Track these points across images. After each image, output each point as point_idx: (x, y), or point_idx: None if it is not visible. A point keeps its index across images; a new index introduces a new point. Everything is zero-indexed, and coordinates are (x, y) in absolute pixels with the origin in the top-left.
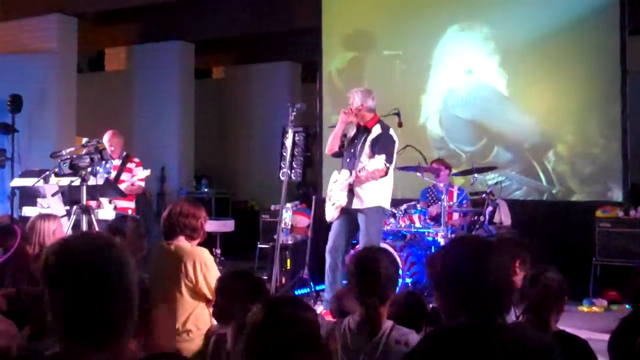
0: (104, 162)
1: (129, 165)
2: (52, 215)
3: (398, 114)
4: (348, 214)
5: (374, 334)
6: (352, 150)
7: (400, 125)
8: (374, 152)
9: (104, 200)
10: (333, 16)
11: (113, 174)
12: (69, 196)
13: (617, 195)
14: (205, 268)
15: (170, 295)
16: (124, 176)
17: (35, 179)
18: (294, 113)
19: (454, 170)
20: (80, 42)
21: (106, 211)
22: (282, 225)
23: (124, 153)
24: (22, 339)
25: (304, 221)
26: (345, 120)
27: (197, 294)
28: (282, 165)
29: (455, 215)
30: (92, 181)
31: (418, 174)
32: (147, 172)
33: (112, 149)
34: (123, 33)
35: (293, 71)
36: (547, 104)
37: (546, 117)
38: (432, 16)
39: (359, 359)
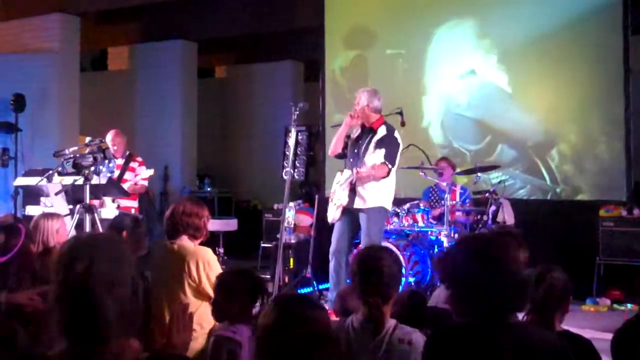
0: (107, 161)
1: (132, 164)
2: (55, 214)
3: (401, 113)
4: (350, 214)
5: (377, 333)
6: (355, 151)
7: (403, 124)
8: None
9: (107, 200)
10: (335, 15)
11: (116, 173)
12: (72, 195)
13: (621, 194)
14: (208, 267)
15: (173, 294)
16: (127, 175)
17: (39, 178)
18: (297, 112)
19: (457, 169)
20: (83, 42)
21: (109, 210)
22: (285, 224)
23: (127, 152)
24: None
25: (306, 220)
26: (350, 123)
27: (200, 293)
28: (285, 165)
29: (458, 215)
30: (95, 180)
31: (421, 173)
32: (151, 172)
33: (115, 148)
34: (126, 32)
35: (296, 70)
36: (550, 103)
37: (549, 116)
38: (434, 15)
39: (362, 357)
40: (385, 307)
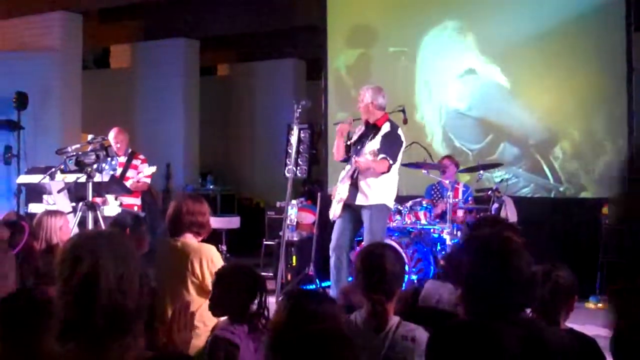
0: (109, 158)
1: (135, 162)
2: (58, 212)
3: (403, 111)
4: (352, 210)
5: (380, 330)
6: (359, 147)
7: (405, 122)
8: (380, 150)
9: (109, 197)
10: (337, 12)
11: (119, 170)
12: (75, 193)
13: None
14: (212, 265)
15: (176, 291)
16: (130, 173)
17: (41, 176)
18: (299, 110)
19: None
20: (85, 40)
21: (112, 208)
22: (288, 222)
23: (130, 150)
24: None
25: (309, 218)
26: (343, 132)
27: (203, 290)
28: (288, 162)
29: (461, 212)
30: (97, 178)
31: (424, 170)
32: (153, 169)
33: (118, 145)
34: (128, 30)
35: (298, 68)
36: (553, 101)
37: (551, 114)
38: (436, 13)
39: (366, 354)
40: (388, 304)
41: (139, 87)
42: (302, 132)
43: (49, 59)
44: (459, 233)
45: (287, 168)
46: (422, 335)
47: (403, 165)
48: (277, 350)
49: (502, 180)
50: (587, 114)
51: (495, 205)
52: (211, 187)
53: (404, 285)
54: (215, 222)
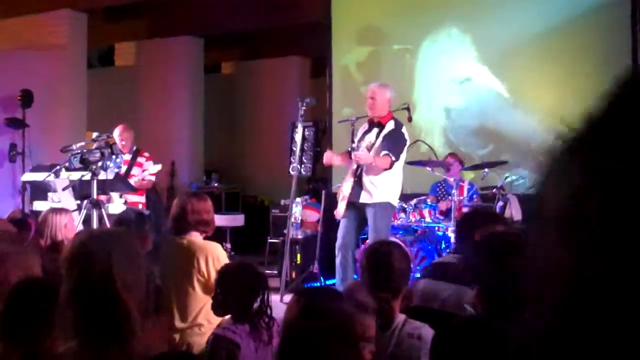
0: (114, 156)
1: (140, 159)
2: (63, 209)
3: (407, 109)
4: (356, 208)
5: (386, 328)
6: (360, 144)
7: (410, 120)
8: (384, 147)
9: (114, 195)
10: (342, 10)
11: (123, 168)
12: (80, 190)
13: None
14: (217, 263)
15: (181, 289)
16: (135, 170)
17: (46, 174)
18: (304, 108)
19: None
20: (90, 38)
21: (116, 205)
22: (292, 219)
23: (135, 147)
24: None
25: (314, 216)
26: (329, 161)
27: (209, 288)
28: (292, 160)
29: (465, 210)
30: (102, 175)
31: (428, 168)
32: (159, 167)
33: (123, 143)
34: (132, 28)
35: (302, 66)
36: (556, 101)
37: (554, 115)
38: (440, 12)
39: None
40: (394, 301)
41: (143, 85)
42: (306, 129)
43: (54, 57)
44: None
45: (291, 166)
46: (428, 333)
47: (408, 163)
48: (289, 346)
49: (506, 178)
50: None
51: (500, 203)
52: (216, 184)
53: (409, 283)
54: (220, 220)
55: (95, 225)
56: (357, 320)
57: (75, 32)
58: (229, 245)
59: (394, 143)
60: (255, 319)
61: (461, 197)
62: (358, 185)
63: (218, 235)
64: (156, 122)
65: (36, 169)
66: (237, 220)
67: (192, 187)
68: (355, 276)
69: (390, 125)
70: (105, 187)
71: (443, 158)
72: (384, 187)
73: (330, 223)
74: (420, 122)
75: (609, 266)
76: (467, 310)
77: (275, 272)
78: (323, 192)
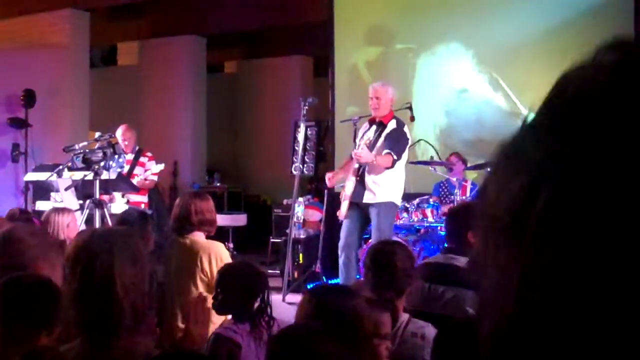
0: (116, 156)
1: (142, 159)
2: (66, 209)
3: (410, 108)
4: (359, 208)
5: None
6: (361, 143)
7: (412, 119)
8: (386, 147)
9: (116, 195)
10: (345, 9)
11: (126, 168)
12: (82, 190)
13: None
14: (220, 262)
15: (185, 289)
16: (137, 170)
17: (49, 173)
18: (306, 107)
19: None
20: (93, 37)
21: (119, 205)
22: (295, 219)
23: (137, 147)
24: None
25: (316, 215)
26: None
27: (211, 287)
28: (295, 160)
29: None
30: (105, 175)
31: (431, 168)
32: (161, 167)
33: (126, 143)
34: (135, 28)
35: (305, 65)
36: None
37: None
38: (442, 13)
39: None
40: (398, 301)
41: (146, 85)
42: (309, 129)
43: (57, 56)
44: None
45: (294, 165)
46: (431, 332)
47: (411, 163)
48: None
49: None
50: None
51: None
52: (218, 184)
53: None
54: (222, 220)
55: (97, 225)
56: (369, 317)
57: (77, 31)
58: (231, 245)
59: (396, 142)
60: (256, 319)
61: (464, 197)
62: (360, 184)
63: (220, 234)
64: (159, 122)
65: (39, 168)
66: (239, 219)
67: (194, 186)
68: (358, 276)
69: (392, 124)
70: (108, 186)
71: (446, 157)
72: (387, 186)
73: (332, 223)
74: (421, 120)
75: (556, 269)
76: (470, 313)
77: (278, 271)
78: (325, 191)
